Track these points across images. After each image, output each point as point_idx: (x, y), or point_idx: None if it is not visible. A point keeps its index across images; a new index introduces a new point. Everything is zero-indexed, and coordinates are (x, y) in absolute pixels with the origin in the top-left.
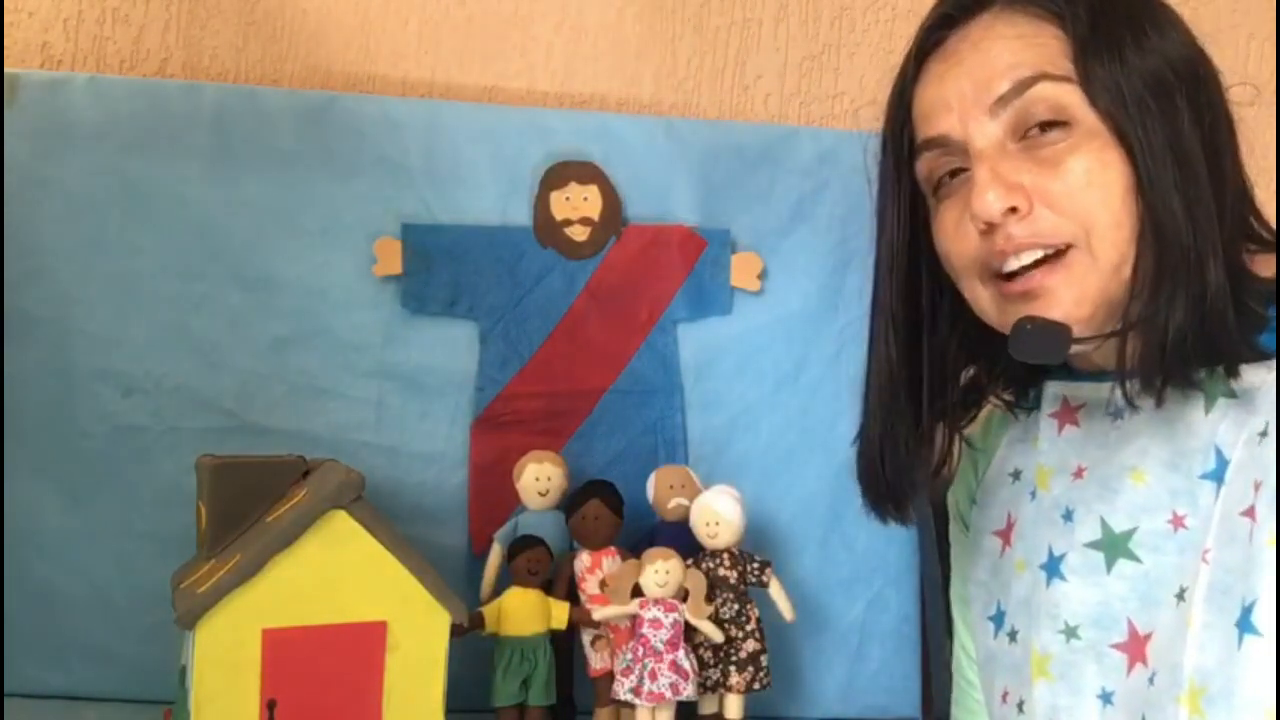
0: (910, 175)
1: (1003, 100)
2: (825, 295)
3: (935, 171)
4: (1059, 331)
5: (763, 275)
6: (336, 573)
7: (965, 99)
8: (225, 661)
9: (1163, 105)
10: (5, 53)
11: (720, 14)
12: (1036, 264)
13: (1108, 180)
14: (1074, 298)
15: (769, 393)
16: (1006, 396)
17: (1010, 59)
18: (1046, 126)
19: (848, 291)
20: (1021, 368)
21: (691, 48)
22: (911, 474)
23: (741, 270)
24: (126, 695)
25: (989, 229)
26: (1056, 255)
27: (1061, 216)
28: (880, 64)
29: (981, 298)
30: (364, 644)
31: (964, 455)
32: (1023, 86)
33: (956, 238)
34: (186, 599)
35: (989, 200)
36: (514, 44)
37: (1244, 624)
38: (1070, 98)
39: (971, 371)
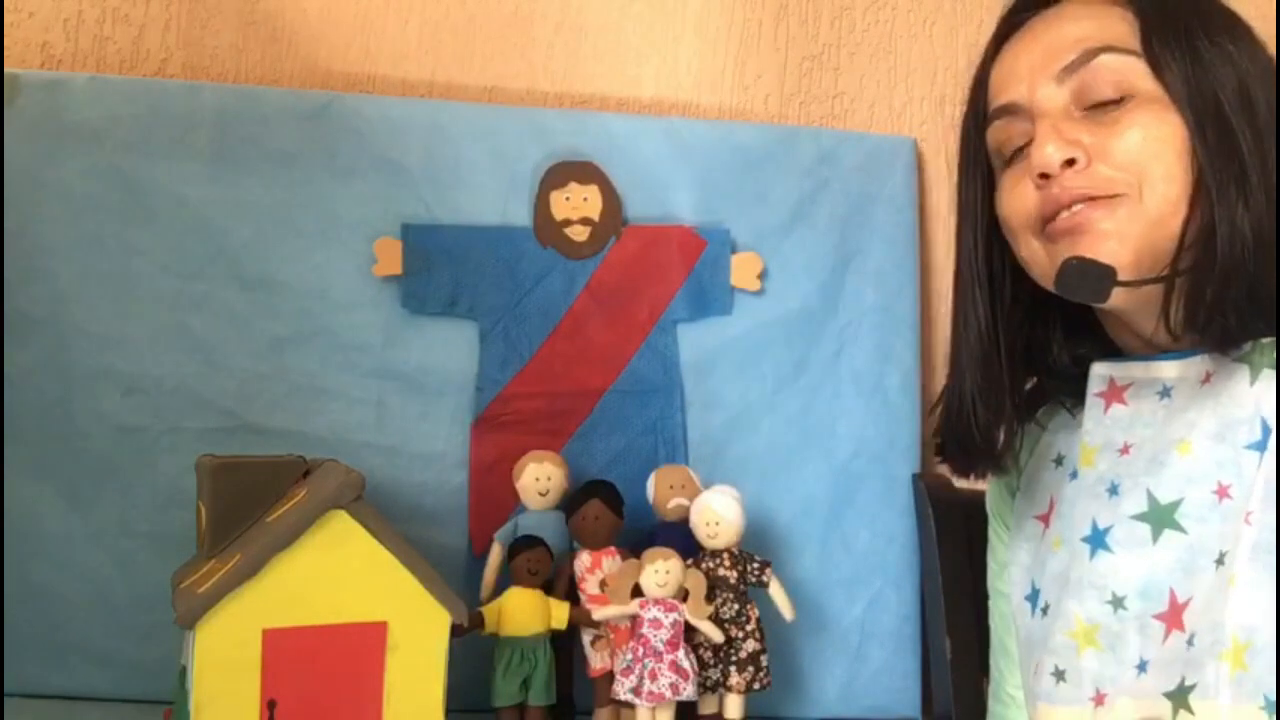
0: (985, 149)
1: (1069, 68)
2: (825, 295)
3: (1004, 143)
4: (1104, 271)
5: (763, 275)
6: (336, 573)
7: (1034, 68)
8: (225, 661)
9: (1223, 79)
10: (5, 53)
11: (720, 14)
12: (1086, 202)
13: (1163, 135)
14: (1119, 237)
15: (769, 393)
16: (1063, 395)
17: (1079, 32)
18: (1111, 104)
19: (848, 291)
20: (1073, 362)
21: (691, 48)
22: (1006, 424)
23: (741, 270)
24: (126, 695)
25: (1045, 182)
26: (1109, 197)
27: (1117, 171)
28: (880, 64)
29: (1036, 253)
30: (364, 644)
31: None
32: (1088, 55)
33: (1015, 196)
34: (186, 599)
35: (1048, 151)
36: (514, 44)
37: None
38: (1134, 69)
39: (1034, 380)
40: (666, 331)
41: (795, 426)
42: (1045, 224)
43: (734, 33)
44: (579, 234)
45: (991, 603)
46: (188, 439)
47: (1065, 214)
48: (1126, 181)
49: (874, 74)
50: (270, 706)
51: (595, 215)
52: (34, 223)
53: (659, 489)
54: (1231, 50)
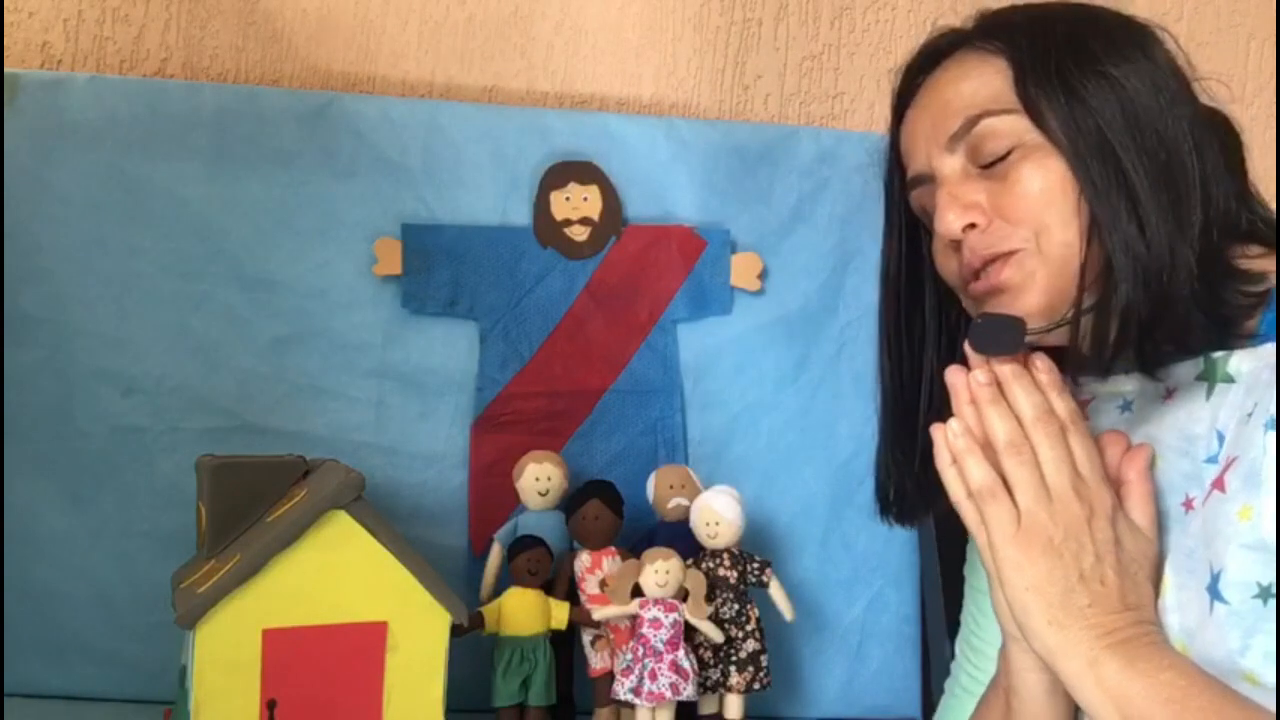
0: (907, 204)
1: (955, 137)
2: (825, 295)
3: (926, 206)
4: (1013, 324)
5: (763, 275)
6: (336, 573)
7: (927, 138)
8: (225, 661)
9: (1106, 109)
10: (5, 53)
11: (720, 14)
12: (993, 262)
13: (1050, 183)
14: (1029, 287)
15: (769, 393)
16: None
17: (959, 102)
18: (1002, 158)
19: (848, 291)
20: None
21: (691, 48)
22: (922, 491)
23: (741, 270)
24: (126, 695)
25: (956, 246)
26: (1009, 254)
27: (1015, 225)
28: (880, 64)
29: (970, 309)
30: (364, 644)
31: None
32: (970, 124)
33: (943, 260)
34: (186, 599)
35: (949, 220)
36: (514, 44)
37: (1213, 590)
38: (1015, 125)
39: None
40: (666, 331)
41: (795, 426)
42: (968, 286)
43: (734, 33)
44: (579, 234)
45: (966, 591)
46: (188, 439)
47: (980, 277)
48: (1023, 236)
49: (874, 74)
50: (270, 706)
51: (595, 215)
52: (34, 223)
53: (659, 489)
54: (1115, 74)
